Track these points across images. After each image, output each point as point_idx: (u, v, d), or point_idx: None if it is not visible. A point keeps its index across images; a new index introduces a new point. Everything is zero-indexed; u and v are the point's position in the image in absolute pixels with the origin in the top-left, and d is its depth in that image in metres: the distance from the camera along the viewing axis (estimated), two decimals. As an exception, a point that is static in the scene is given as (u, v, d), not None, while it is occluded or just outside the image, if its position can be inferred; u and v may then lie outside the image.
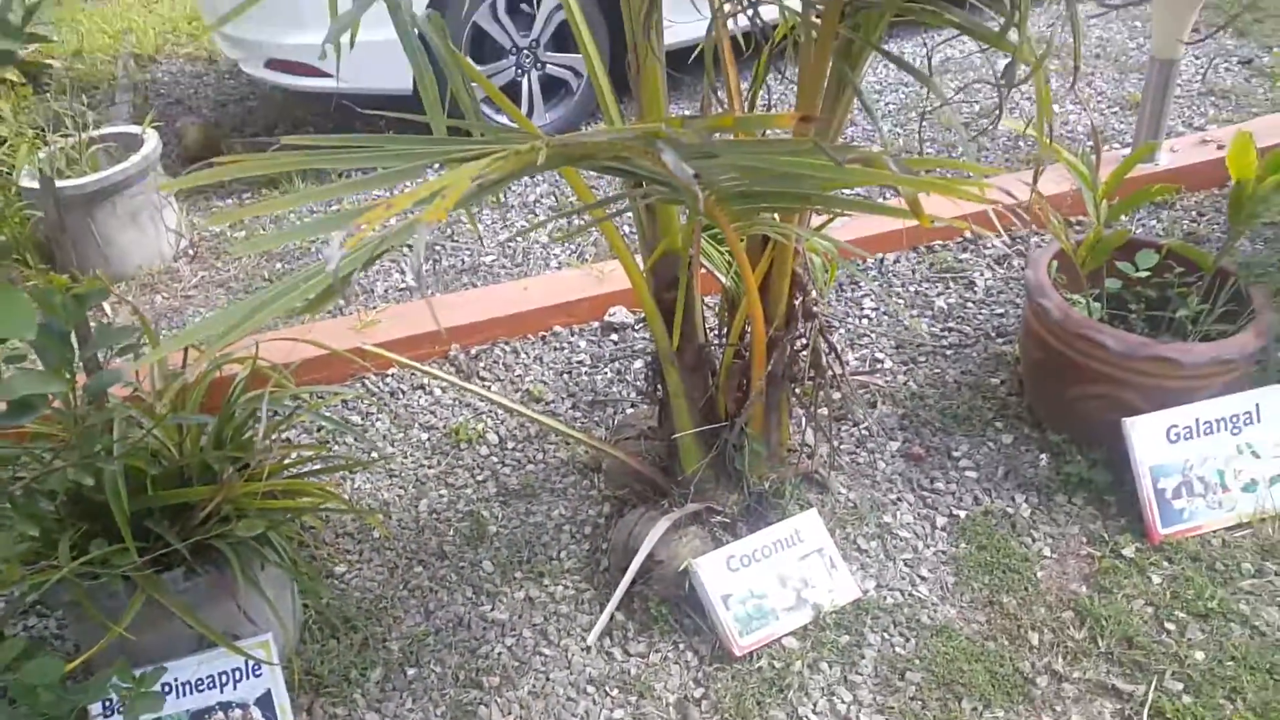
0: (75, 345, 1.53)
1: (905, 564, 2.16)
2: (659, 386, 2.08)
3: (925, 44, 4.74)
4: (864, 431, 2.50)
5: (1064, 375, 2.32)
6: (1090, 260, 2.21)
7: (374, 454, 2.55)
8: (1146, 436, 2.15)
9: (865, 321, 2.90)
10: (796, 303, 1.90)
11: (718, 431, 2.06)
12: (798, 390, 2.14)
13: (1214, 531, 2.15)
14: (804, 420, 2.29)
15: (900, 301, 2.96)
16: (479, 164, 0.94)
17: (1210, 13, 4.81)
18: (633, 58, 1.59)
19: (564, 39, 4.01)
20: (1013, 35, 1.42)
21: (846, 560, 2.15)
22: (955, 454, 2.42)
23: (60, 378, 1.25)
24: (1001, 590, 2.08)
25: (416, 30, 1.39)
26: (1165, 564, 2.10)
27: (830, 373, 2.00)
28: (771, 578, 2.04)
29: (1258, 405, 2.20)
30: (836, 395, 2.20)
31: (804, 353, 1.97)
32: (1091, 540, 2.18)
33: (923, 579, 2.13)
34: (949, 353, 2.74)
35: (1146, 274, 2.37)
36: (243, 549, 1.78)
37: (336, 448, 2.59)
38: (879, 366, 2.72)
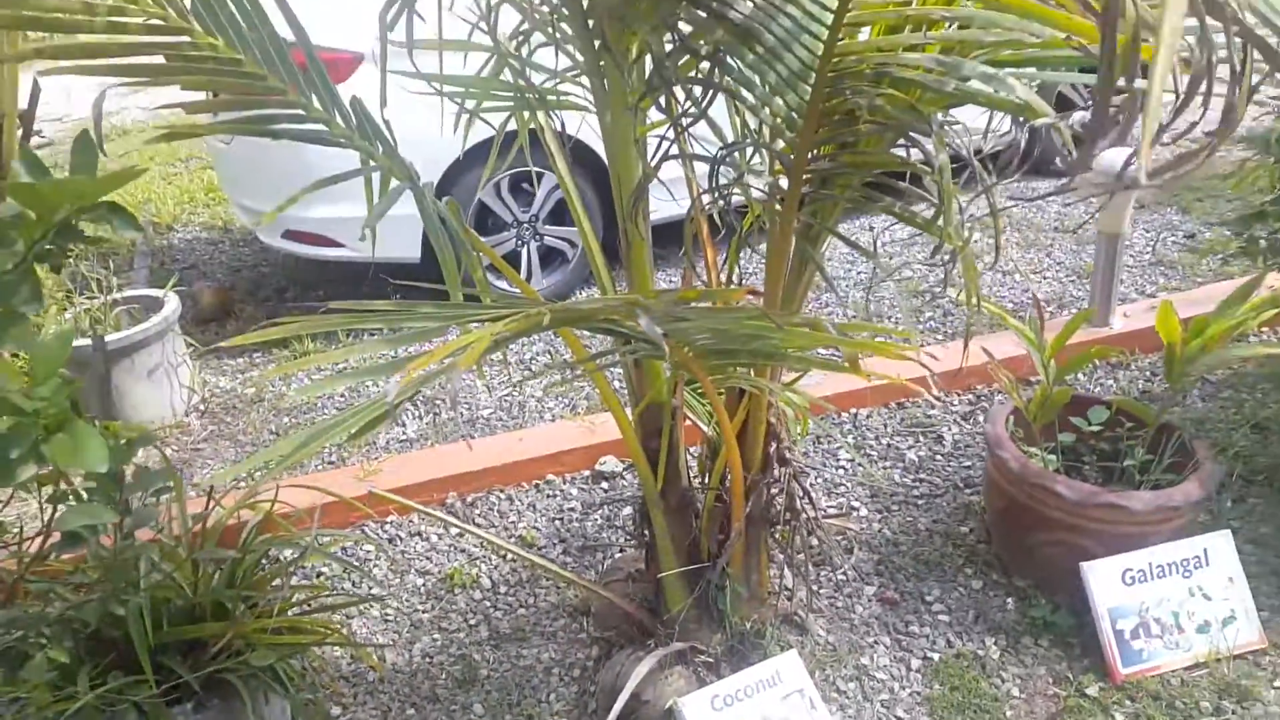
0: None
1: (882, 704, 2.25)
2: (645, 530, 2.22)
3: (882, 223, 5.08)
4: (842, 576, 2.63)
5: (1025, 523, 2.48)
6: (1041, 416, 2.40)
7: (374, 593, 2.65)
8: (1103, 580, 2.29)
9: (841, 471, 3.07)
10: (771, 450, 2.08)
11: (701, 572, 2.19)
12: (776, 534, 2.29)
13: (1173, 671, 2.26)
14: (784, 564, 2.43)
15: (873, 454, 3.13)
16: (496, 325, 1.13)
17: (1156, 191, 5.20)
18: (623, 238, 1.82)
19: (560, 214, 4.33)
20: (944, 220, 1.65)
21: (826, 701, 2.24)
22: (928, 598, 2.54)
23: (110, 512, 1.40)
24: (974, 729, 2.18)
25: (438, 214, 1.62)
26: (1127, 703, 2.20)
27: (804, 516, 2.16)
28: (755, 717, 2.13)
29: (1205, 550, 2.35)
30: (812, 539, 2.34)
31: (779, 497, 2.13)
32: (1057, 680, 2.28)
33: (899, 719, 2.22)
34: (920, 502, 2.90)
35: (1098, 428, 2.57)
36: (252, 681, 1.88)
37: (337, 591, 2.70)
38: (854, 513, 2.87)
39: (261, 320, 4.47)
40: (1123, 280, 4.21)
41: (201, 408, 3.73)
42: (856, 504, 2.91)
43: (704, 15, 1.24)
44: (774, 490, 2.11)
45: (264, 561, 2.25)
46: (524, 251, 4.33)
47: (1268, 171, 2.70)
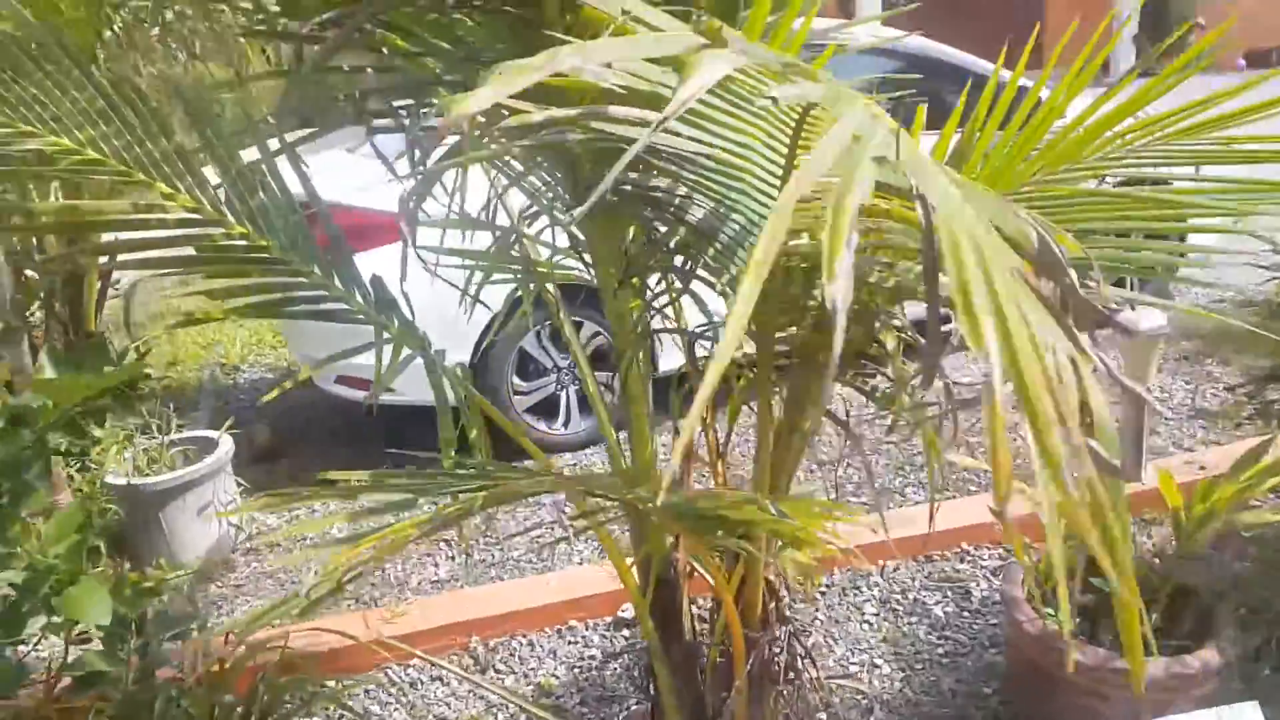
0: (134, 629, 1.79)
1: None
2: (651, 683, 2.24)
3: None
4: (858, 735, 2.60)
5: (1042, 686, 2.44)
6: (1049, 578, 2.39)
7: (389, 744, 2.69)
8: (1122, 749, 2.23)
9: (866, 627, 3.04)
10: (771, 607, 2.11)
11: (705, 729, 2.19)
12: (783, 692, 2.28)
13: None
14: (794, 722, 2.41)
15: (899, 609, 3.11)
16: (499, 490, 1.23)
17: (1187, 343, 5.18)
18: (621, 395, 1.93)
19: (601, 359, 4.48)
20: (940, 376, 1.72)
21: None
22: (952, 760, 2.49)
23: (116, 660, 1.50)
24: None
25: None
26: None
27: (806, 675, 2.16)
28: None
29: (1230, 720, 2.28)
30: (821, 699, 2.33)
31: (782, 655, 2.14)
32: None
33: None
34: (945, 660, 2.86)
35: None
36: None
37: (355, 736, 2.74)
38: (876, 671, 2.84)
39: (311, 459, 4.65)
40: (1158, 432, 4.17)
41: (248, 545, 3.86)
42: (880, 661, 2.88)
43: (669, 216, 1.37)
44: (775, 649, 2.12)
45: (286, 703, 2.31)
46: (563, 395, 4.47)
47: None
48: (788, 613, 2.11)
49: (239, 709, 2.13)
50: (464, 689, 2.89)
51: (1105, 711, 2.30)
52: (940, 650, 2.90)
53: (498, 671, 2.96)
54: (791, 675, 2.16)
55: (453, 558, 3.62)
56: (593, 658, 2.99)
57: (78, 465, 3.94)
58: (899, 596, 3.17)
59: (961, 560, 3.33)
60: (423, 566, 3.58)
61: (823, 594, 3.21)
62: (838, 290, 0.86)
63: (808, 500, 1.72)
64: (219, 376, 5.94)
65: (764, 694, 2.19)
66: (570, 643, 3.07)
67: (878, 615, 3.09)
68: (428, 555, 3.63)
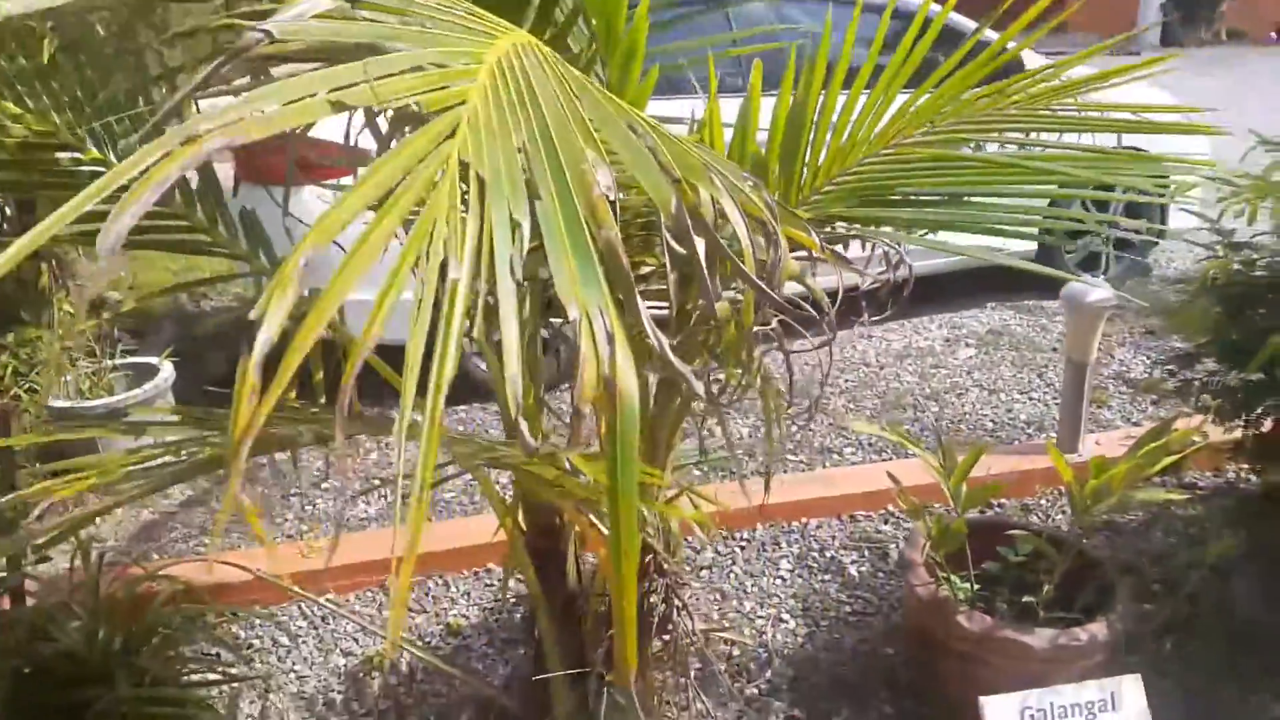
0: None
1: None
2: (534, 632, 2.25)
3: (881, 334, 5.12)
4: (754, 690, 2.61)
5: (933, 650, 2.45)
6: (943, 545, 2.38)
7: (280, 675, 2.71)
8: (1001, 716, 2.24)
9: (780, 582, 3.05)
10: (648, 561, 2.10)
11: (588, 678, 2.20)
12: (673, 645, 2.29)
13: (1070, 820, 2.19)
14: (683, 676, 2.42)
15: (815, 565, 3.12)
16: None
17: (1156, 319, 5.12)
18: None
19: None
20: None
21: (706, 818, 2.22)
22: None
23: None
24: None
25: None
26: None
27: (682, 628, 2.16)
28: (624, 827, 2.11)
29: (1113, 694, 2.28)
30: (705, 650, 2.34)
31: (661, 607, 2.15)
32: (951, 818, 2.22)
33: (778, 843, 2.18)
34: (852, 619, 2.87)
35: (1023, 559, 2.53)
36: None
37: (260, 665, 2.76)
38: (781, 625, 2.85)
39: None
40: (1110, 406, 4.15)
41: (184, 473, 3.87)
42: (787, 616, 2.89)
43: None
44: (651, 599, 2.12)
45: (177, 631, 2.33)
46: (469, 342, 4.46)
47: (1201, 313, 2.68)
48: (665, 565, 2.11)
49: (126, 637, 2.15)
50: (375, 625, 2.91)
51: (989, 679, 2.30)
52: (849, 609, 2.91)
53: (410, 611, 2.97)
54: (670, 627, 2.16)
55: (384, 496, 3.63)
56: (507, 601, 3.01)
57: (26, 386, 3.95)
58: (816, 554, 3.17)
59: (886, 522, 3.33)
60: (353, 504, 3.59)
61: (742, 548, 3.21)
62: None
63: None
64: (184, 304, 5.92)
65: (641, 644, 2.20)
66: (487, 585, 3.08)
67: (792, 571, 3.09)
68: (359, 493, 3.64)
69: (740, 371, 1.84)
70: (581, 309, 0.72)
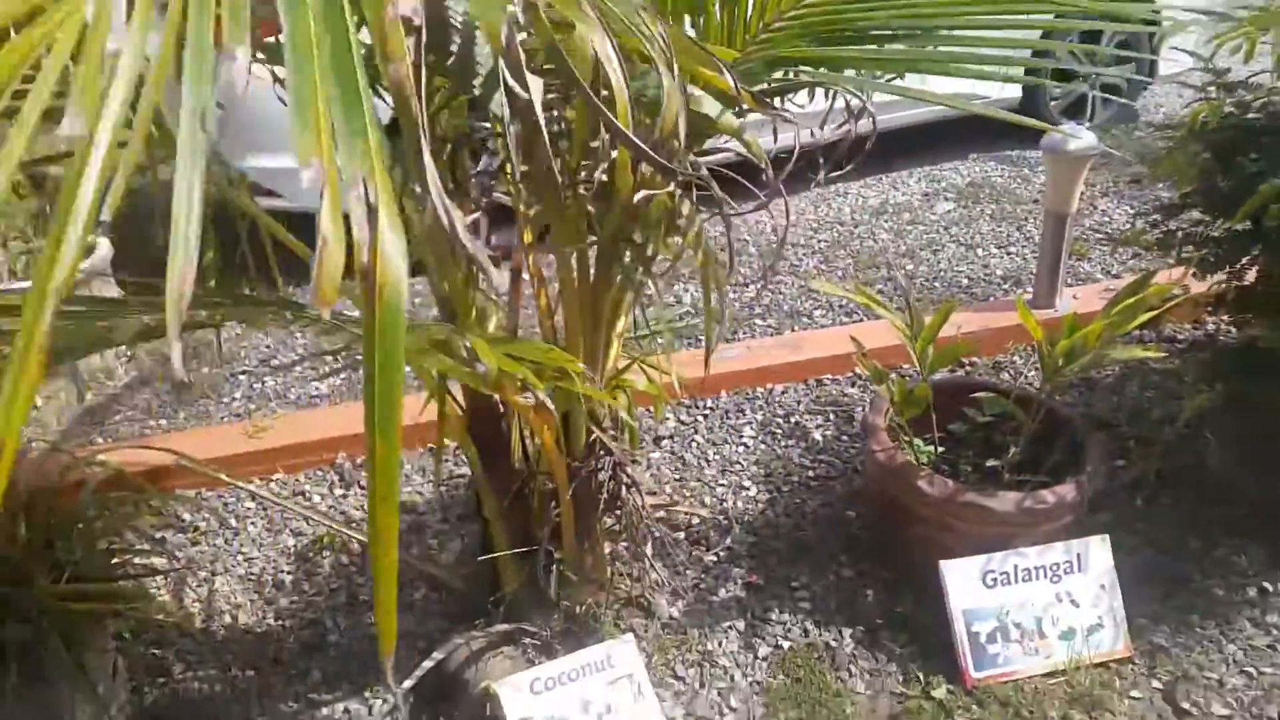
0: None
1: (718, 693, 2.18)
2: (480, 510, 2.16)
3: (857, 190, 4.93)
4: (714, 558, 2.55)
5: (895, 516, 2.37)
6: (907, 409, 2.27)
7: (222, 560, 2.64)
8: (962, 580, 2.18)
9: (742, 449, 2.97)
10: (594, 438, 1.99)
11: (533, 556, 2.12)
12: (624, 519, 2.21)
13: (1029, 678, 2.15)
14: (635, 548, 2.35)
15: (778, 432, 3.03)
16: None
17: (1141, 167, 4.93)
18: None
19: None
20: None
21: (661, 687, 2.18)
22: (795, 584, 2.45)
23: None
24: (807, 727, 2.09)
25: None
26: (974, 708, 2.10)
27: (631, 504, 2.07)
28: (574, 703, 2.06)
29: (1079, 555, 2.22)
30: (655, 524, 2.27)
31: (611, 484, 2.05)
32: (907, 679, 2.18)
33: (732, 710, 2.14)
34: (814, 484, 2.80)
35: (991, 420, 2.43)
36: (59, 640, 1.87)
37: (207, 549, 2.69)
38: (743, 493, 2.78)
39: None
40: (1090, 259, 4.01)
41: (129, 354, 3.73)
42: (749, 483, 2.82)
43: None
44: (599, 477, 2.02)
45: (113, 517, 2.23)
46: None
47: (1188, 160, 2.51)
48: (612, 443, 2.00)
49: (48, 529, 2.05)
50: (325, 505, 2.83)
51: (951, 544, 2.24)
52: (811, 474, 2.84)
53: (362, 489, 2.89)
54: (619, 503, 2.07)
55: (335, 373, 3.50)
56: (462, 477, 2.92)
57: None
58: (781, 420, 3.08)
59: (852, 385, 3.23)
60: (303, 381, 3.47)
61: (705, 416, 3.12)
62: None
63: (535, 344, 1.58)
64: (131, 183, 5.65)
65: (589, 520, 2.11)
66: (443, 461, 2.99)
67: (756, 438, 3.01)
68: (310, 369, 3.52)
69: (675, 240, 1.69)
70: (329, 174, 0.54)
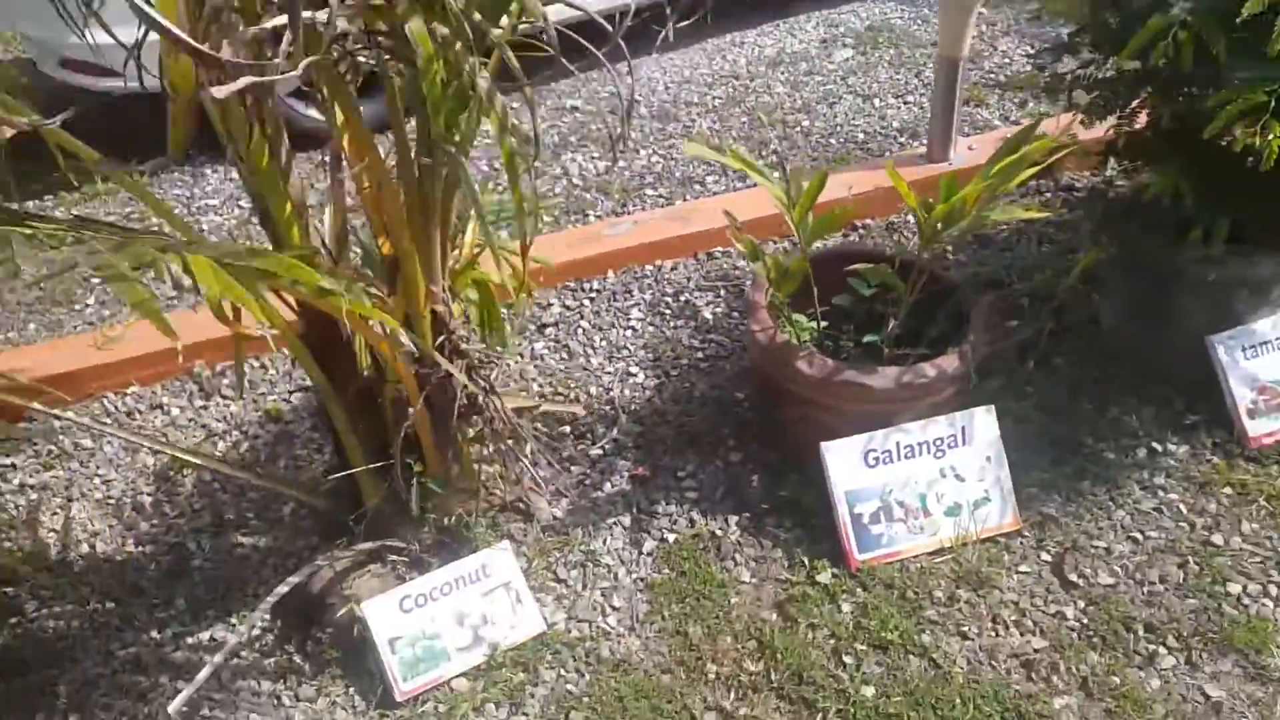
0: None
1: (601, 593, 2.11)
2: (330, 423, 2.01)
3: (754, 40, 4.67)
4: (599, 451, 2.45)
5: (777, 397, 2.29)
6: (784, 285, 2.14)
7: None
8: (843, 461, 2.11)
9: (630, 333, 2.84)
10: (441, 341, 1.84)
11: (391, 468, 1.99)
12: (487, 425, 2.07)
13: (915, 557, 2.12)
14: (512, 451, 2.23)
15: (667, 312, 2.90)
16: None
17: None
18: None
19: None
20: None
21: (543, 591, 2.11)
22: (681, 473, 2.37)
23: None
24: (691, 619, 2.04)
25: None
26: (859, 591, 2.06)
27: (492, 409, 1.94)
28: (448, 617, 1.98)
29: (964, 428, 2.16)
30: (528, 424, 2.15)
31: (466, 389, 1.90)
32: (792, 565, 2.14)
33: (614, 609, 2.08)
34: (703, 365, 2.69)
35: (876, 290, 2.32)
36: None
37: (61, 474, 2.51)
38: (630, 379, 2.66)
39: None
40: (988, 105, 3.86)
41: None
42: (636, 369, 2.70)
43: None
44: (451, 383, 1.87)
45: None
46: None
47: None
48: (462, 346, 1.84)
49: None
50: (185, 418, 2.66)
51: (833, 424, 2.16)
52: (700, 355, 2.73)
53: (224, 398, 2.71)
54: (479, 407, 1.93)
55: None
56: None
57: None
58: (670, 299, 2.94)
59: (744, 256, 3.09)
60: (156, 285, 3.21)
61: (591, 300, 2.97)
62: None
63: (279, 258, 1.41)
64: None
65: (447, 428, 1.98)
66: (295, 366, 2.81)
67: (644, 320, 2.88)
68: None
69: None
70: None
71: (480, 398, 1.89)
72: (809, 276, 2.17)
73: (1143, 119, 2.35)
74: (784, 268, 2.08)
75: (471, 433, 2.08)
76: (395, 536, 2.07)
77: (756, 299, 2.27)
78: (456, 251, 2.02)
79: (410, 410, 1.87)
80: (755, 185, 3.44)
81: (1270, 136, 1.78)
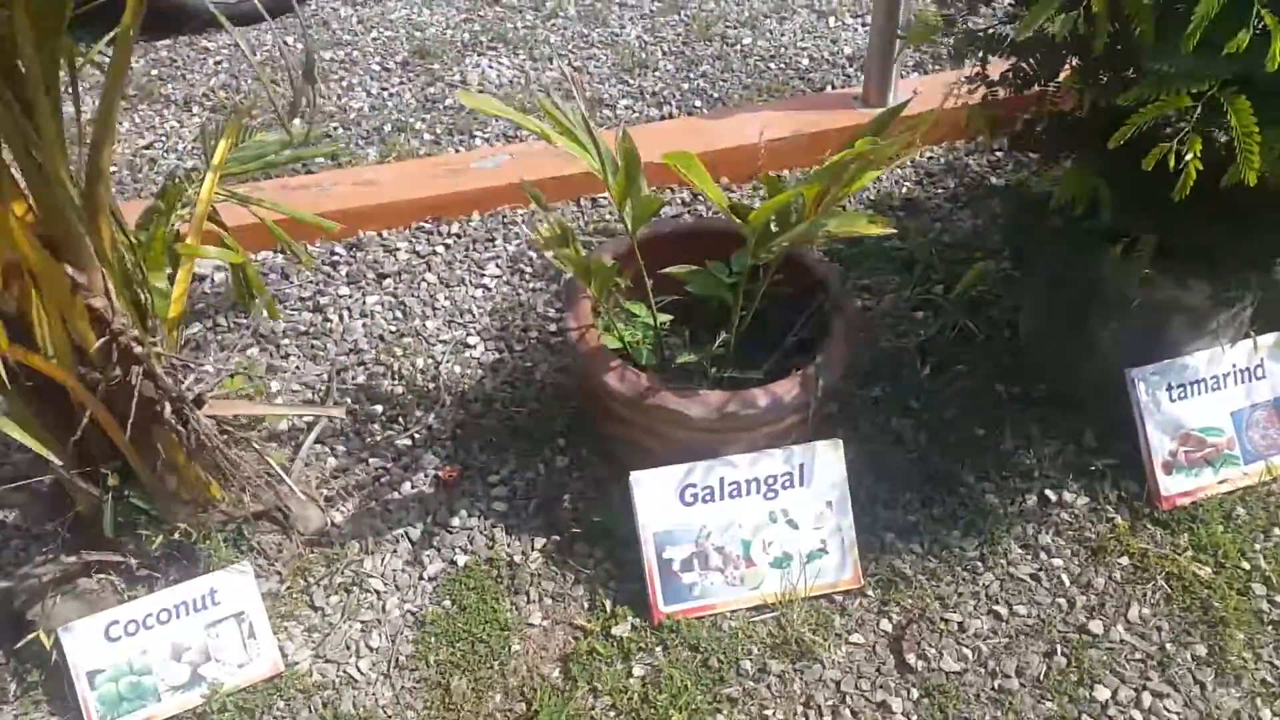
0: None
1: (361, 627, 1.81)
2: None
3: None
4: (410, 439, 2.11)
5: (596, 407, 1.92)
6: (595, 284, 1.73)
7: None
8: (653, 495, 1.76)
9: (480, 292, 2.45)
10: (107, 343, 1.47)
11: (96, 477, 1.67)
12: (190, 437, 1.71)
13: (733, 612, 1.79)
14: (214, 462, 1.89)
15: (528, 270, 2.51)
16: None
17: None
18: None
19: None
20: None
21: (292, 620, 1.81)
22: (494, 478, 2.03)
23: None
24: (460, 669, 1.73)
25: None
26: (658, 651, 1.74)
27: (187, 414, 1.59)
28: (163, 649, 1.69)
29: (802, 466, 1.80)
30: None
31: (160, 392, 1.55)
32: (592, 608, 1.82)
33: (371, 649, 1.78)
34: (554, 340, 2.32)
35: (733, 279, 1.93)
36: None
37: None
38: (466, 353, 2.30)
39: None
40: (923, 50, 3.31)
41: None
42: (475, 339, 2.33)
43: None
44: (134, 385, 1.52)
45: None
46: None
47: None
48: (134, 349, 1.48)
49: None
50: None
51: (655, 446, 1.81)
52: (553, 327, 2.35)
53: None
54: (171, 414, 1.58)
55: None
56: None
57: None
58: (536, 254, 2.55)
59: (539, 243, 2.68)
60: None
61: (448, 246, 2.58)
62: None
63: None
64: None
65: (145, 434, 1.63)
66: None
67: (500, 277, 2.49)
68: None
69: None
70: None
71: (167, 407, 1.53)
72: (641, 269, 1.77)
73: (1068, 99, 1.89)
74: (585, 265, 1.67)
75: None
76: (112, 548, 1.75)
77: (580, 285, 1.88)
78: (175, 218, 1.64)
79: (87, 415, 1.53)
80: (699, 114, 3.02)
81: (1189, 155, 1.35)
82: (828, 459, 1.80)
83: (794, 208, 1.55)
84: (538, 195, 1.74)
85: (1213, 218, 1.66)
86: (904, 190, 2.72)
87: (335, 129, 3.09)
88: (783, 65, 3.25)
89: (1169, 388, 1.91)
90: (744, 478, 1.78)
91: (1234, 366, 1.95)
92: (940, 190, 2.73)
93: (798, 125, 2.73)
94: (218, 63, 3.47)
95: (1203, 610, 1.76)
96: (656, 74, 3.27)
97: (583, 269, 1.67)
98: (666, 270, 1.79)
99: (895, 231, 1.56)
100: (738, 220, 1.54)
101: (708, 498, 1.78)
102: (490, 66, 3.33)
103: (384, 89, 3.28)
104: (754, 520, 1.79)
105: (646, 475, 1.76)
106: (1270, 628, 1.73)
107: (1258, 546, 1.85)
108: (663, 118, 3.05)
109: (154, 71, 3.42)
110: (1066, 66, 1.77)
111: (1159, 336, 1.93)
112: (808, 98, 2.98)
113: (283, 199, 2.65)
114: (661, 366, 1.84)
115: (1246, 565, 1.82)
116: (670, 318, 1.94)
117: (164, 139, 3.09)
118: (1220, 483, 1.92)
